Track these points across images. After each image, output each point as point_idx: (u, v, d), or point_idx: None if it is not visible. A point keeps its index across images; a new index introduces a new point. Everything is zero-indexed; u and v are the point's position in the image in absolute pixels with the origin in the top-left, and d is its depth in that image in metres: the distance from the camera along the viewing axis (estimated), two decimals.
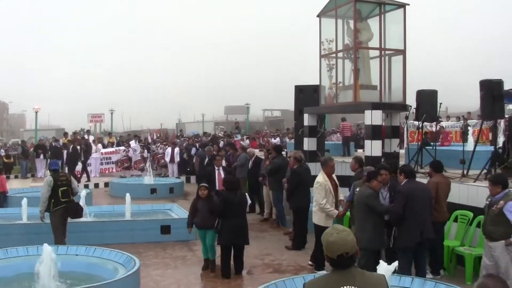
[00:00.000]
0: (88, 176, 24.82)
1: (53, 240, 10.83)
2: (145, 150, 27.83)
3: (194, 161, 22.49)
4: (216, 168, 14.38)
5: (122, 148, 27.62)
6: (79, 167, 24.80)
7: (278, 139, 29.51)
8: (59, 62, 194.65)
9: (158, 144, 28.74)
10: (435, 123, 16.11)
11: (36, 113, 36.27)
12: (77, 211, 11.79)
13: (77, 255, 9.84)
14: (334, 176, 10.70)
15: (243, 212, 10.43)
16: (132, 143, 28.28)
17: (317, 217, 10.37)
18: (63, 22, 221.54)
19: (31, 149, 29.41)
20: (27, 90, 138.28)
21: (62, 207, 11.34)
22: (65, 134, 30.72)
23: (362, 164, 11.51)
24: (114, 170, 26.89)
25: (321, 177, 10.40)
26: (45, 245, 8.49)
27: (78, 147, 24.72)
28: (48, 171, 12.34)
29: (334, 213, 10.12)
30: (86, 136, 30.27)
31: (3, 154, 27.95)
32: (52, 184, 11.32)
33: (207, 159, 18.63)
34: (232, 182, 10.50)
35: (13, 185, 22.19)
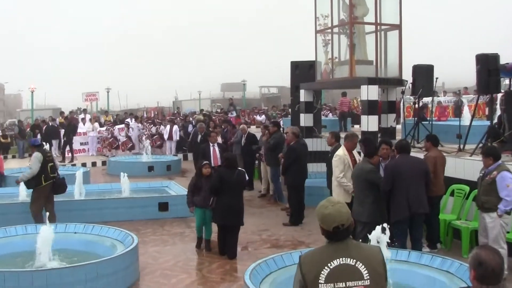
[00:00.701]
0: (72, 155, 24.83)
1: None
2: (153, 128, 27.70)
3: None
4: (211, 144, 14.33)
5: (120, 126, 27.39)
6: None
7: (263, 116, 29.38)
8: (56, 41, 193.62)
9: (146, 125, 28.36)
10: (430, 98, 16.13)
11: (32, 92, 36.07)
12: (64, 186, 11.98)
13: (75, 232, 9.89)
14: (355, 152, 10.54)
15: (239, 191, 10.03)
16: (130, 121, 28.22)
17: (335, 193, 10.08)
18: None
19: (28, 129, 29.38)
20: (23, 70, 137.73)
21: (50, 182, 11.55)
22: (62, 113, 30.69)
23: (339, 139, 11.60)
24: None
25: (341, 151, 10.20)
26: (44, 226, 8.56)
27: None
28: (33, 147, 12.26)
29: (350, 188, 9.73)
30: (83, 115, 30.23)
31: (0, 134, 27.91)
32: (42, 160, 11.42)
33: (199, 136, 18.66)
34: (231, 160, 10.11)
35: (11, 165, 22.21)
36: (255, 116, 30.25)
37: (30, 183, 11.54)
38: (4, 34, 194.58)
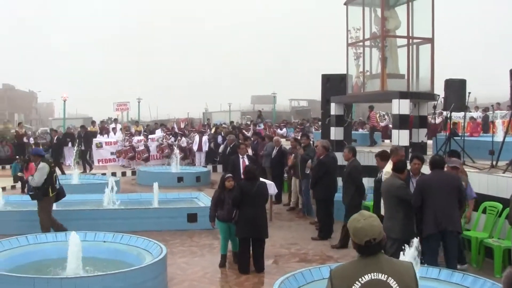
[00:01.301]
0: (90, 166, 24.95)
1: (81, 226, 10.95)
2: (172, 138, 27.70)
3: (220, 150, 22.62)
4: (241, 156, 14.31)
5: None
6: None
7: (284, 129, 29.25)
8: (88, 52, 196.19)
9: (164, 134, 28.13)
10: (462, 113, 15.95)
11: (64, 101, 36.56)
12: (64, 195, 12.14)
13: (104, 241, 9.95)
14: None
15: (261, 203, 9.84)
16: (158, 131, 28.34)
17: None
18: (92, 9, 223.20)
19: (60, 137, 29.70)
20: (56, 79, 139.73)
21: (56, 193, 11.70)
22: (93, 122, 30.96)
23: (356, 154, 11.47)
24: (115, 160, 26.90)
25: (389, 167, 9.86)
26: (73, 233, 8.61)
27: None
28: (34, 156, 12.23)
29: None
30: (113, 125, 30.49)
31: (32, 142, 28.22)
32: (48, 170, 11.51)
33: (228, 148, 18.70)
34: (251, 172, 9.92)
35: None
36: (275, 130, 30.15)
37: (37, 194, 11.53)
38: (38, 45, 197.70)
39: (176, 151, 23.56)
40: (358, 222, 3.78)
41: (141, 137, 26.71)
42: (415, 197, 8.60)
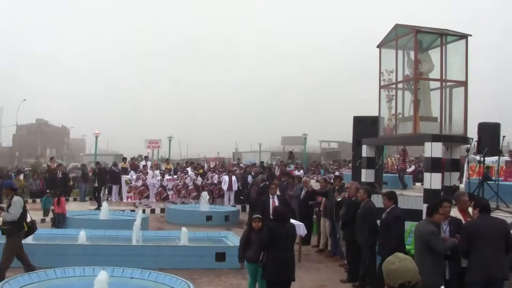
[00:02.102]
0: (99, 203, 24.33)
1: (109, 261, 10.93)
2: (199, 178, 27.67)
3: (248, 188, 22.59)
4: (271, 196, 14.24)
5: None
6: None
7: (301, 171, 28.99)
8: (120, 92, 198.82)
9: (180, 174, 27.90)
10: (496, 157, 15.75)
11: (96, 138, 36.96)
12: (35, 229, 11.76)
13: (132, 277, 9.96)
14: (470, 211, 9.71)
15: (290, 245, 9.59)
16: (189, 170, 28.43)
17: None
18: (120, 47, 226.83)
19: (90, 173, 30.00)
20: (88, 116, 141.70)
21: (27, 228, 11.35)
22: (124, 159, 31.21)
23: (371, 195, 11.77)
24: (172, 197, 26.87)
25: (455, 213, 9.64)
26: (102, 271, 8.63)
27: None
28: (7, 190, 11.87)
29: None
30: (144, 162, 30.69)
31: (60, 176, 28.56)
32: (23, 204, 11.23)
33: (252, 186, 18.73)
34: (280, 213, 9.67)
35: (72, 207, 22.64)
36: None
37: (11, 229, 10.99)
38: (70, 81, 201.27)
39: (204, 193, 23.60)
40: (392, 264, 3.70)
41: (193, 173, 26.88)
42: (463, 244, 8.43)
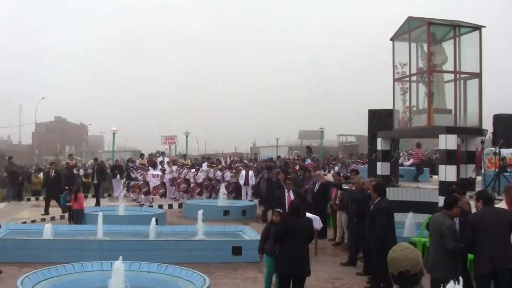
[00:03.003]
0: (98, 201, 24.27)
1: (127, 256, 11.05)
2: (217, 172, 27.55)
3: (256, 183, 22.66)
4: (286, 191, 14.30)
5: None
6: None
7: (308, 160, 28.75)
8: (137, 87, 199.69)
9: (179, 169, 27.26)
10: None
11: (114, 134, 37.14)
12: None
13: (149, 272, 10.08)
14: (472, 204, 9.71)
15: (304, 240, 9.29)
16: (204, 166, 28.47)
17: None
18: (138, 46, 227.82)
19: (108, 170, 30.23)
20: (106, 112, 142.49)
21: None
22: (141, 155, 31.39)
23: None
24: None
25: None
26: (117, 262, 8.74)
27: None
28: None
29: None
30: (161, 158, 30.81)
31: (82, 174, 28.77)
32: None
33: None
34: (295, 207, 9.51)
35: (90, 203, 22.81)
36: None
37: None
38: (90, 79, 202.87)
39: (222, 187, 23.59)
40: (394, 252, 3.82)
41: (158, 172, 26.55)
42: (468, 235, 8.35)
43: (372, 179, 12.92)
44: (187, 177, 26.36)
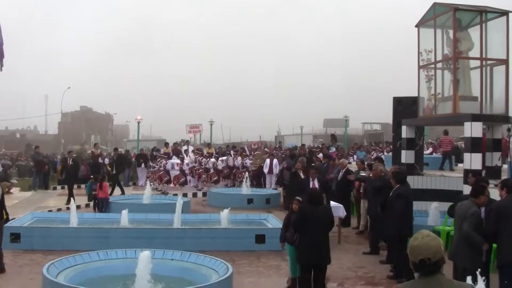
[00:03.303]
0: (121, 190, 24.28)
1: (150, 244, 11.11)
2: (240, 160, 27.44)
3: (279, 172, 22.68)
4: (311, 179, 14.24)
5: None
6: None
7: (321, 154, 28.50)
8: (163, 77, 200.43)
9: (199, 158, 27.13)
10: None
11: (139, 123, 37.30)
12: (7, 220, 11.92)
13: (172, 259, 10.14)
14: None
15: (324, 228, 9.31)
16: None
17: None
18: (169, 37, 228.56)
19: (133, 159, 30.41)
20: (131, 102, 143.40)
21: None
22: (166, 144, 31.51)
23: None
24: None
25: None
26: (145, 251, 8.80)
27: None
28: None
29: None
30: (186, 147, 30.85)
31: (107, 162, 29.01)
32: (1, 193, 11.13)
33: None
34: (314, 195, 9.49)
35: (116, 192, 22.99)
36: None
37: None
38: (115, 69, 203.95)
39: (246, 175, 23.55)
40: (415, 239, 3.82)
41: (177, 161, 26.48)
42: (491, 223, 8.23)
43: (396, 167, 12.83)
44: (207, 166, 26.35)
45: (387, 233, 10.97)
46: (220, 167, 26.32)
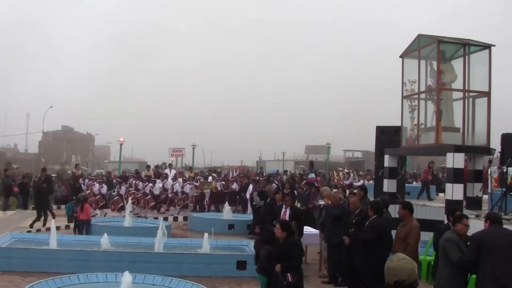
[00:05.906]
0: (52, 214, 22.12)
1: (131, 268, 11.02)
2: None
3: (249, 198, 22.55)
4: (284, 208, 13.75)
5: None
6: None
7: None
8: (145, 100, 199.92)
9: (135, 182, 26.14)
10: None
11: (121, 145, 37.27)
12: None
13: (153, 284, 10.07)
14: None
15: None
16: (210, 178, 28.44)
17: None
18: (148, 58, 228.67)
19: (114, 180, 30.25)
20: (112, 123, 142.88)
21: None
22: (148, 167, 31.42)
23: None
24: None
25: None
26: (125, 273, 8.75)
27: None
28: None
29: None
30: (167, 170, 30.73)
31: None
32: None
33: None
34: (267, 233, 9.61)
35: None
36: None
37: None
38: (96, 90, 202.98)
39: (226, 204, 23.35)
40: (391, 262, 4.05)
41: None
42: (471, 252, 8.18)
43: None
44: (145, 190, 25.53)
45: (358, 264, 10.85)
46: (157, 191, 25.74)
